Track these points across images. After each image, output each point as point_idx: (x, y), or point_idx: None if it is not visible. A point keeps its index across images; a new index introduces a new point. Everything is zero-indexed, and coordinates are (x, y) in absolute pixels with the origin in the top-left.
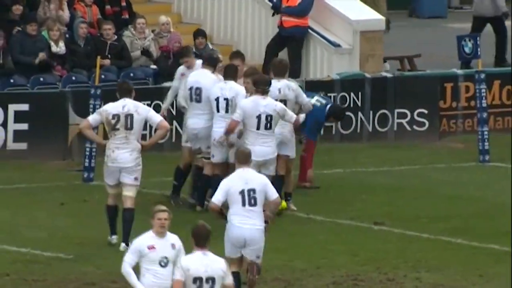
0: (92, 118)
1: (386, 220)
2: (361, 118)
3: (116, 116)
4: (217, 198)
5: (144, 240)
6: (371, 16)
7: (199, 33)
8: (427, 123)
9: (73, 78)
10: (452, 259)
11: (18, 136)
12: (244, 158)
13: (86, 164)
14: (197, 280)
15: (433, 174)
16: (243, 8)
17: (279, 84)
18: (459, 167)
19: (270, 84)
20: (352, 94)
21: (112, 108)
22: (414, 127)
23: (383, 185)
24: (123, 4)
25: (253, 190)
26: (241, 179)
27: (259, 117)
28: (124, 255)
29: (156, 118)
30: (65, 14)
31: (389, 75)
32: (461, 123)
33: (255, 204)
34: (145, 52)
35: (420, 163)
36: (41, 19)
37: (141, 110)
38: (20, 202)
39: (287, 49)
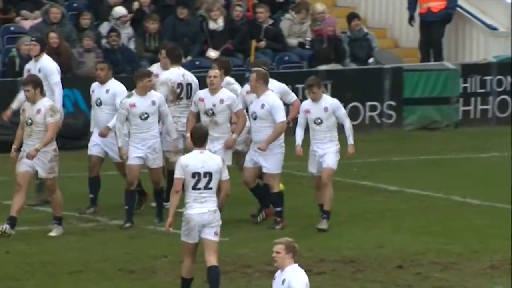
0: (161, 93)
1: None
2: None
3: (180, 86)
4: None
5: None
6: None
7: (353, 16)
8: None
9: None
10: None
11: None
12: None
13: None
14: (195, 175)
15: None
16: None
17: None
18: None
19: None
20: (508, 78)
21: (175, 77)
22: None
23: None
24: None
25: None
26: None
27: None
28: None
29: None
30: None
31: None
32: None
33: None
34: (301, 44)
35: None
36: (198, 3)
37: (195, 79)
38: None
39: (433, 33)
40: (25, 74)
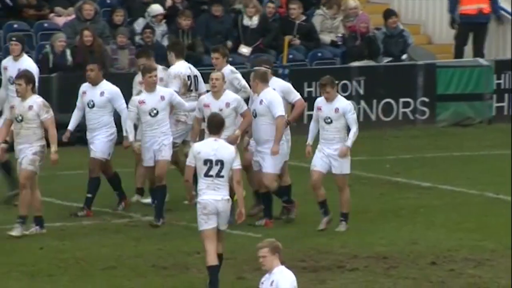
0: (176, 86)
1: None
2: None
3: (190, 78)
4: None
5: None
6: None
7: (390, 13)
8: None
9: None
10: None
11: None
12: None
13: None
14: (207, 162)
15: None
16: None
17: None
18: None
19: None
20: None
21: (184, 70)
22: None
23: None
24: None
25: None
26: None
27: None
28: None
29: (203, 84)
30: None
31: None
32: None
33: None
34: (334, 42)
35: None
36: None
37: (197, 71)
38: None
39: (479, 34)
40: (1, 70)
